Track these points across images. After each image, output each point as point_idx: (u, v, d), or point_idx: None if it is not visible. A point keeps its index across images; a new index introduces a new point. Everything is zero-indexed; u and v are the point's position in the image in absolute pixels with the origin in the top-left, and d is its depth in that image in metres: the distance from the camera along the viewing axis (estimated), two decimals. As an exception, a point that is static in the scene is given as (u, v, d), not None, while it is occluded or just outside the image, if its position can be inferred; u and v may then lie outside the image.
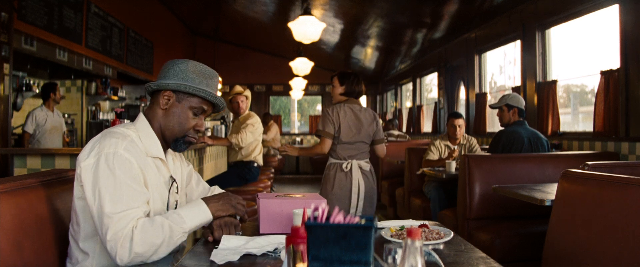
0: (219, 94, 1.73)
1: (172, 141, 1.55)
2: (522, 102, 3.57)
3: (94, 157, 1.38)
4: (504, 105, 3.59)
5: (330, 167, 3.11)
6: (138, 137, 1.48)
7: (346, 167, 3.04)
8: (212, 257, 1.28)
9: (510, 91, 5.27)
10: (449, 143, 4.34)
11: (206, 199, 1.49)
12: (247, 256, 1.31)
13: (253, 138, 4.41)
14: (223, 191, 1.80)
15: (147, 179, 1.45)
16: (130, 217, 1.33)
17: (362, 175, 3.07)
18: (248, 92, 4.54)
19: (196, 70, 1.52)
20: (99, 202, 1.33)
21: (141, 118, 1.54)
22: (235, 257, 1.29)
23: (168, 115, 1.52)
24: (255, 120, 4.46)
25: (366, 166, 3.10)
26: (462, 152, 4.23)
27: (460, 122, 4.27)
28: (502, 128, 3.64)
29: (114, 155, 1.37)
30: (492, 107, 3.81)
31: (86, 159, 1.38)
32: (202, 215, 1.44)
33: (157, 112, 1.53)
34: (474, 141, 4.36)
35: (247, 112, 4.52)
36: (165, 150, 1.58)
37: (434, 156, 4.32)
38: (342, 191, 3.03)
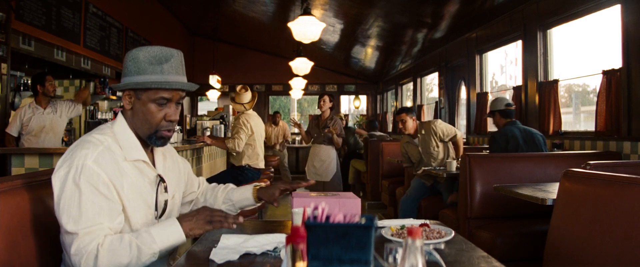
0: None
1: (147, 139, 1.48)
2: (501, 104, 3.67)
3: (64, 169, 1.34)
4: (490, 113, 3.77)
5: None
6: (115, 141, 1.43)
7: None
8: (212, 256, 1.27)
9: (511, 91, 5.26)
10: (410, 139, 4.33)
11: (181, 217, 1.43)
12: (246, 255, 1.30)
13: (247, 139, 4.40)
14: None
15: (123, 187, 1.39)
16: (95, 234, 1.29)
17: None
18: (244, 97, 4.49)
19: (147, 57, 1.42)
20: (63, 218, 1.30)
21: (119, 119, 1.49)
22: (234, 256, 1.28)
23: (134, 115, 1.46)
24: (245, 119, 4.42)
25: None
26: (431, 140, 4.17)
27: (402, 117, 4.20)
28: (496, 130, 3.73)
29: (82, 167, 1.32)
30: (487, 116, 4.13)
31: (58, 170, 1.35)
32: (174, 235, 1.37)
33: (126, 113, 1.49)
34: (437, 123, 4.17)
35: (243, 110, 4.51)
36: (150, 148, 1.54)
37: (407, 163, 4.40)
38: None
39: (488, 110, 3.83)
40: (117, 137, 1.44)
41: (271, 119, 9.15)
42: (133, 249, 1.30)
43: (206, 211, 1.45)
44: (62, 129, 4.46)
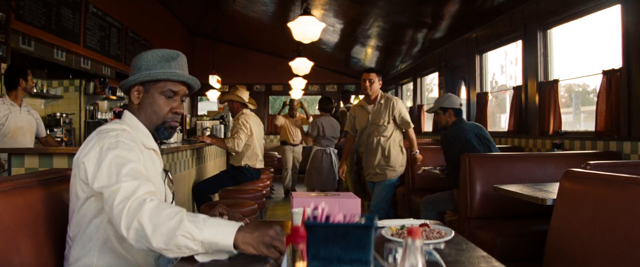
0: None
1: (154, 131, 1.56)
2: (457, 102, 3.55)
3: (96, 148, 1.38)
4: (438, 109, 3.58)
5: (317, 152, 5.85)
6: (132, 131, 1.51)
7: (327, 151, 5.82)
8: (197, 256, 1.24)
9: (511, 91, 5.26)
10: (364, 104, 4.09)
11: (242, 226, 1.25)
12: (234, 257, 1.26)
13: (246, 139, 4.42)
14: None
15: (148, 171, 1.45)
16: (140, 181, 1.29)
17: (334, 154, 5.91)
18: (241, 96, 4.51)
19: (156, 56, 1.54)
20: (105, 181, 1.30)
21: (127, 114, 1.56)
22: (223, 256, 1.25)
23: (142, 108, 1.55)
24: (245, 119, 4.45)
25: (334, 150, 5.93)
26: (385, 114, 3.98)
27: (371, 76, 3.94)
28: (444, 131, 3.57)
29: (116, 142, 1.39)
30: (428, 112, 3.87)
31: (90, 152, 1.38)
32: (222, 236, 1.21)
33: (133, 108, 1.56)
34: (399, 103, 3.98)
35: (242, 111, 4.53)
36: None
37: (351, 130, 4.19)
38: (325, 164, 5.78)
39: (434, 106, 3.62)
40: (131, 129, 1.51)
41: (289, 112, 7.76)
42: (176, 217, 1.21)
43: (273, 231, 1.22)
44: (34, 131, 3.91)
